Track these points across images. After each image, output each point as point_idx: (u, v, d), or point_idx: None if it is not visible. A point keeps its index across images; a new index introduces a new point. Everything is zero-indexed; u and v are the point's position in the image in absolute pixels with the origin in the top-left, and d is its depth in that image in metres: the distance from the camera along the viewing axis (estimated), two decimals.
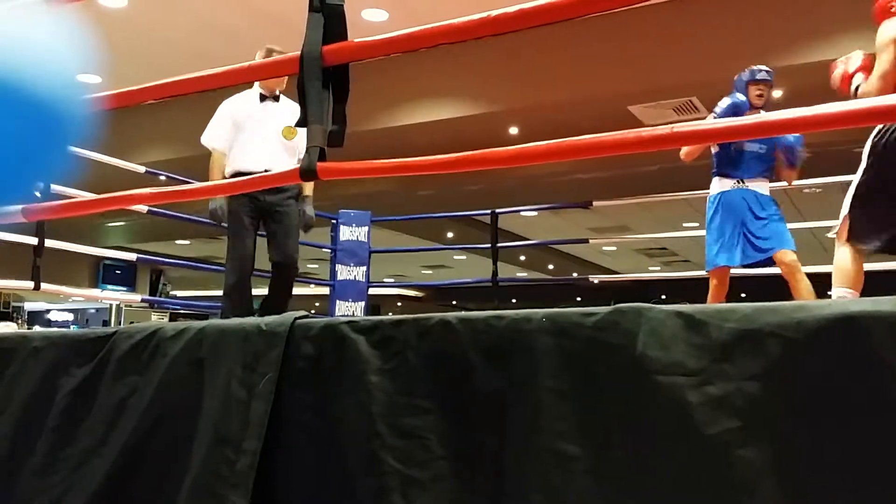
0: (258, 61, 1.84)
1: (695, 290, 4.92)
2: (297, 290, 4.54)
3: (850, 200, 3.03)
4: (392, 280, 17.90)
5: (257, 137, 4.12)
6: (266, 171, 3.83)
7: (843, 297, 2.94)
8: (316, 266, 15.41)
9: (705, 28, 6.09)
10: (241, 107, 4.18)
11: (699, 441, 1.01)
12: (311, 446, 1.31)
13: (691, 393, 1.02)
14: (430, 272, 18.64)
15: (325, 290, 6.98)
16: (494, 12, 1.55)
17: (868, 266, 3.41)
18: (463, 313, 1.24)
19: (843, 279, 3.09)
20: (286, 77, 4.01)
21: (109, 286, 13.05)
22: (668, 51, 6.27)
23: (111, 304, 9.43)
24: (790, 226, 5.25)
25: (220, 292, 4.26)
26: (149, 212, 5.33)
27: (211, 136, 4.20)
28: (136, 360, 1.55)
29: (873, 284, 3.28)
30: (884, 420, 0.92)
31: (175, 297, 16.23)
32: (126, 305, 9.91)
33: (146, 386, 1.50)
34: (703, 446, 1.00)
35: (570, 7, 1.49)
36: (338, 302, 6.47)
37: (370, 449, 1.21)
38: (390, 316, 1.29)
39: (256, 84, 4.18)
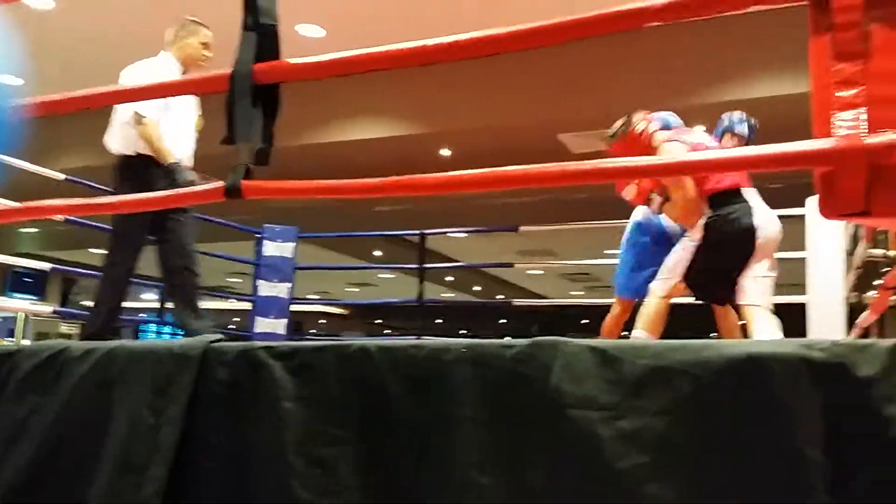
0: (189, 76, 1.80)
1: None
2: (216, 305, 4.40)
3: (681, 268, 3.38)
4: (316, 297, 17.69)
5: (182, 121, 3.69)
6: (179, 161, 3.54)
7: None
8: (239, 280, 15.11)
9: (632, 62, 6.28)
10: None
11: (610, 475, 1.02)
12: (222, 474, 1.27)
13: (603, 427, 1.04)
14: (355, 290, 18.51)
15: (247, 306, 6.85)
16: (430, 42, 1.56)
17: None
18: (383, 341, 1.23)
19: (648, 324, 3.42)
20: (210, 56, 3.70)
21: (17, 294, 12.47)
22: (597, 82, 6.44)
23: (19, 313, 9.00)
24: None
25: (133, 304, 4.05)
26: (66, 220, 5.14)
27: (147, 105, 3.48)
28: (40, 380, 1.48)
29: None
30: (779, 455, 0.96)
31: (87, 307, 15.63)
32: (34, 316, 9.48)
33: (48, 407, 1.44)
34: (613, 480, 1.02)
35: (503, 42, 1.51)
36: (258, 319, 6.34)
37: (281, 478, 1.19)
38: (309, 342, 1.28)
39: (172, 57, 3.69)
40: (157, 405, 1.32)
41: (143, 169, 3.52)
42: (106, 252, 3.73)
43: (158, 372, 1.34)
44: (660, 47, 6.06)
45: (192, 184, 3.41)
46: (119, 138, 3.63)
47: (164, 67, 3.61)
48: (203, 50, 3.72)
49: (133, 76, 3.60)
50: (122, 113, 3.59)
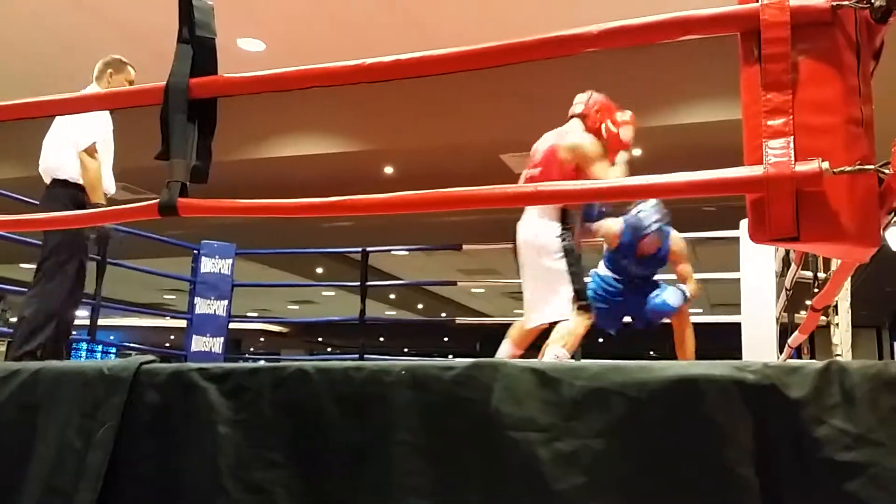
0: (118, 89, 1.76)
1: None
2: (151, 322, 4.30)
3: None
4: (256, 315, 17.41)
5: (111, 156, 3.81)
6: (105, 203, 3.57)
7: (560, 356, 3.38)
8: (173, 297, 14.76)
9: (573, 85, 6.39)
10: (107, 117, 3.73)
11: (548, 496, 1.03)
12: (152, 500, 1.23)
13: (541, 449, 1.04)
14: (296, 307, 18.28)
15: (182, 323, 6.69)
16: (369, 61, 1.55)
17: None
18: (321, 363, 1.21)
19: (568, 341, 3.46)
20: None
21: None
22: (538, 105, 6.52)
23: None
24: None
25: None
26: None
27: (95, 134, 3.59)
28: None
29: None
30: (712, 475, 0.97)
31: (14, 324, 15.05)
32: None
33: None
34: (551, 502, 1.02)
35: (444, 62, 1.52)
36: (194, 337, 6.20)
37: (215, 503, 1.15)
38: (245, 364, 1.25)
39: (100, 90, 3.61)
40: (86, 429, 1.27)
41: (65, 197, 3.56)
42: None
43: (87, 394, 1.29)
44: (601, 71, 6.18)
45: (107, 233, 3.76)
46: (66, 162, 3.65)
47: None
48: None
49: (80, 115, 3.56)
50: (68, 138, 3.61)
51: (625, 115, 3.98)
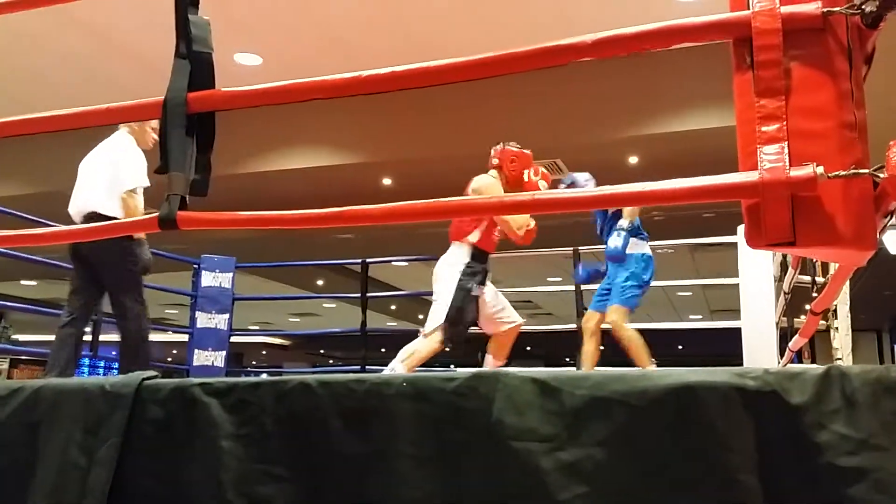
0: (121, 104, 1.77)
1: (557, 342, 5.10)
2: (152, 337, 4.32)
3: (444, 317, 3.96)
4: (257, 328, 17.38)
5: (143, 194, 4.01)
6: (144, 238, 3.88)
7: (395, 369, 3.84)
8: (175, 311, 14.75)
9: (569, 96, 6.42)
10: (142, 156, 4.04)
11: None
12: None
13: (544, 459, 1.04)
14: (297, 320, 18.26)
15: (184, 338, 6.69)
16: (365, 73, 1.56)
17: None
18: (323, 376, 1.22)
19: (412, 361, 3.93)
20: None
21: None
22: (535, 115, 6.56)
23: None
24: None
25: None
26: None
27: (141, 178, 3.87)
28: None
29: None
30: (715, 482, 0.97)
31: (17, 341, 15.04)
32: None
33: None
34: None
35: (440, 74, 1.53)
36: (196, 351, 6.20)
37: None
38: (247, 378, 1.25)
39: (129, 135, 3.99)
40: (88, 445, 1.27)
41: (123, 239, 3.75)
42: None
43: (89, 411, 1.29)
44: (597, 80, 6.21)
45: (150, 262, 3.93)
46: (107, 200, 3.83)
47: (132, 144, 3.95)
48: (154, 134, 3.99)
49: (120, 156, 3.90)
50: (110, 177, 3.82)
51: (542, 169, 4.50)
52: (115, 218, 3.71)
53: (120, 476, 1.25)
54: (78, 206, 3.95)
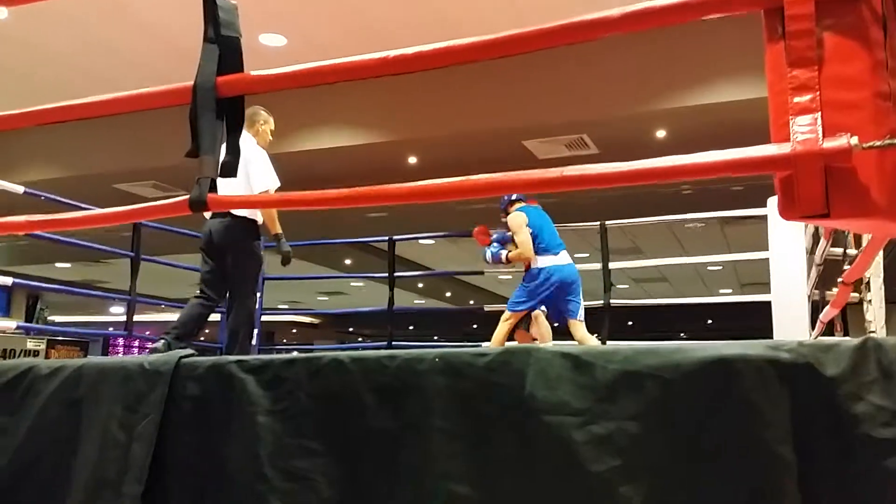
0: (152, 89, 1.79)
1: (586, 318, 5.10)
2: None
3: None
4: (287, 307, 17.54)
5: None
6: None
7: None
8: None
9: (596, 71, 6.35)
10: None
11: (584, 479, 1.04)
12: (196, 490, 1.26)
13: (576, 432, 1.05)
14: (326, 299, 18.40)
15: (216, 317, 6.78)
16: (392, 53, 1.56)
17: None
18: (356, 353, 1.23)
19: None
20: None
21: None
22: (561, 91, 6.50)
23: None
24: (673, 260, 5.46)
25: (101, 318, 4.09)
26: (27, 235, 5.04)
27: (274, 179, 4.07)
28: (7, 399, 1.45)
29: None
30: (750, 454, 0.98)
31: (54, 322, 15.35)
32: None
33: (17, 427, 1.41)
34: (587, 484, 1.03)
35: (466, 52, 1.53)
36: None
37: (256, 492, 1.18)
38: (281, 355, 1.27)
39: (251, 136, 4.24)
40: (129, 422, 1.31)
41: (254, 232, 4.06)
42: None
43: (129, 388, 1.33)
44: (622, 54, 6.13)
45: (289, 254, 4.31)
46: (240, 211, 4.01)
47: (254, 144, 4.19)
48: (271, 136, 4.48)
49: (250, 156, 4.04)
50: (248, 181, 3.95)
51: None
52: (251, 219, 3.99)
53: (160, 451, 1.28)
54: None
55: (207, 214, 4.06)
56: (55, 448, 1.39)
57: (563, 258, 4.92)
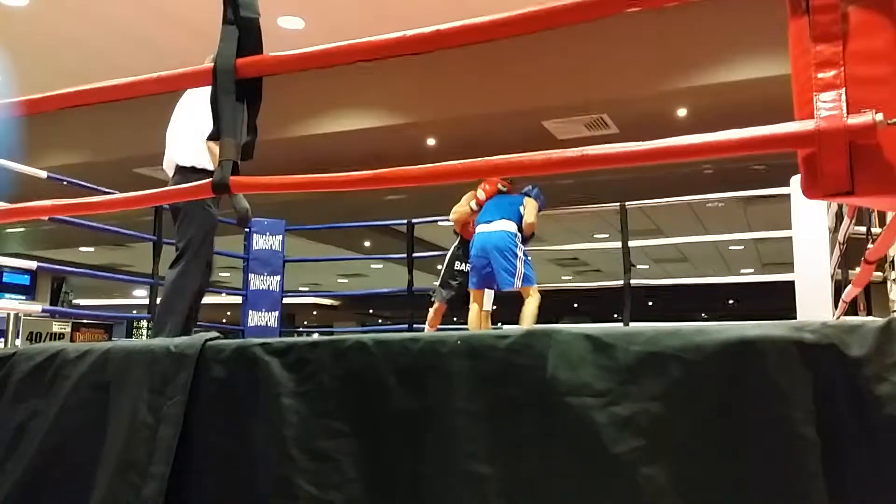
0: (172, 72, 1.79)
1: (605, 299, 5.08)
2: (208, 300, 4.40)
3: None
4: (307, 289, 17.65)
5: None
6: None
7: None
8: (227, 275, 15.06)
9: (615, 50, 6.29)
10: None
11: (606, 460, 1.04)
12: (223, 471, 1.28)
13: (599, 413, 1.05)
14: (346, 281, 18.48)
15: (238, 300, 6.84)
16: (409, 32, 1.56)
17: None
18: (379, 335, 1.24)
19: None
20: None
21: (7, 295, 12.41)
22: (581, 70, 6.44)
23: (9, 314, 8.95)
24: (694, 238, 5.40)
25: (125, 301, 4.10)
26: (50, 219, 5.10)
27: None
28: (37, 382, 1.48)
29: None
30: (774, 436, 0.97)
31: (78, 305, 15.55)
32: (26, 315, 9.43)
33: (47, 410, 1.44)
34: (610, 465, 1.04)
35: (483, 31, 1.52)
36: (250, 312, 6.34)
37: (283, 472, 1.20)
38: (305, 338, 1.28)
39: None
40: (155, 404, 1.33)
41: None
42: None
43: (155, 371, 1.35)
44: (642, 32, 6.06)
45: (246, 209, 3.81)
46: (191, 152, 3.86)
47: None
48: None
49: (205, 105, 3.81)
50: (193, 128, 3.80)
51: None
52: (203, 168, 3.80)
53: (187, 432, 1.30)
54: (169, 157, 4.01)
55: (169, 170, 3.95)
56: (84, 430, 1.41)
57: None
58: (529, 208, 5.05)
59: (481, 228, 5.04)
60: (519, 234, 4.96)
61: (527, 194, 5.17)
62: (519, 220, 5.03)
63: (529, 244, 5.34)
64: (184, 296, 3.83)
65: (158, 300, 3.99)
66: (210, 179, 1.68)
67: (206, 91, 4.13)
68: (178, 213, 3.92)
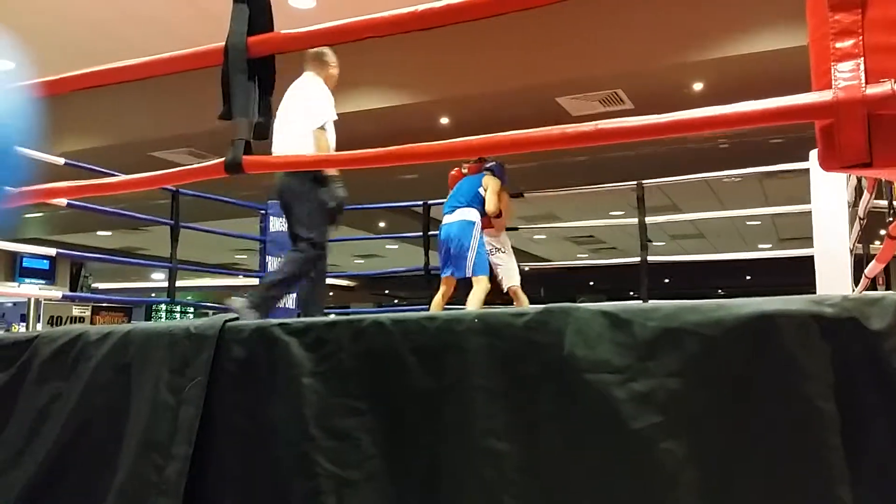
0: (183, 51, 1.79)
1: (621, 276, 5.07)
2: (225, 282, 4.43)
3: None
4: None
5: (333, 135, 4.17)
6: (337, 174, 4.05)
7: None
8: (244, 257, 15.14)
9: (630, 23, 6.21)
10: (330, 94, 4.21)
11: (625, 436, 1.04)
12: (243, 450, 1.30)
13: (617, 390, 1.05)
14: (361, 261, 18.54)
15: (255, 282, 6.88)
16: (421, 7, 1.55)
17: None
18: (395, 314, 1.25)
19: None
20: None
21: (27, 280, 12.56)
22: (595, 44, 6.38)
23: (30, 299, 9.07)
24: (710, 214, 5.35)
25: (144, 284, 4.15)
26: (68, 205, 5.14)
27: (327, 114, 4.01)
28: (60, 365, 1.50)
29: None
30: (793, 410, 0.97)
31: (97, 289, 15.71)
32: (46, 300, 9.55)
33: (70, 391, 1.46)
34: (628, 441, 1.04)
35: (496, 4, 1.51)
36: None
37: (303, 451, 1.21)
38: (322, 318, 1.29)
39: (318, 77, 4.19)
40: (177, 384, 1.34)
41: (316, 183, 3.84)
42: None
43: (176, 352, 1.36)
44: (657, 3, 5.99)
45: (343, 199, 3.96)
46: (295, 146, 3.88)
47: (321, 85, 4.14)
48: (336, 79, 4.38)
49: (311, 94, 4.06)
50: (297, 121, 3.91)
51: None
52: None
53: (207, 413, 1.32)
54: (277, 150, 4.03)
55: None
56: (106, 411, 1.43)
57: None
58: (491, 187, 5.10)
59: (444, 219, 5.21)
60: (476, 221, 5.06)
61: (490, 170, 5.21)
62: (480, 202, 5.10)
63: (542, 223, 5.38)
64: (294, 271, 3.97)
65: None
66: (221, 160, 1.68)
67: (311, 84, 4.13)
68: (287, 207, 4.00)
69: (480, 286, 4.99)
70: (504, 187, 5.23)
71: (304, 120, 3.91)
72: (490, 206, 5.06)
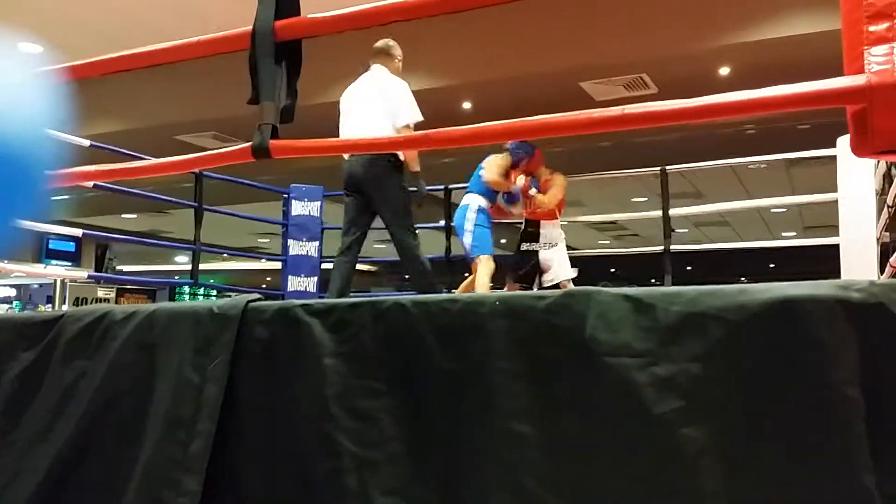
0: (211, 35, 1.79)
1: (643, 264, 5.04)
2: (247, 265, 4.47)
3: None
4: None
5: None
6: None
7: None
8: (267, 241, 15.24)
9: (655, 6, 6.14)
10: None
11: (646, 420, 1.04)
12: (266, 429, 1.31)
13: (638, 374, 1.05)
14: (383, 246, 18.56)
15: (277, 265, 6.93)
16: None
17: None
18: (417, 296, 1.25)
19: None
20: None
21: (54, 261, 12.73)
22: (620, 29, 6.31)
23: (56, 280, 9.20)
24: (735, 205, 5.30)
25: (168, 266, 4.20)
26: (94, 186, 5.20)
27: (416, 113, 4.05)
28: (85, 343, 1.52)
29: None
30: (818, 396, 0.96)
31: (122, 271, 15.90)
32: (72, 281, 9.68)
33: (95, 370, 1.48)
34: (649, 425, 1.04)
35: None
36: (290, 277, 6.42)
37: (325, 431, 1.22)
38: (344, 299, 1.30)
39: (388, 70, 4.26)
40: (200, 364, 1.35)
41: (397, 172, 3.94)
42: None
43: (199, 332, 1.37)
44: None
45: (424, 196, 4.16)
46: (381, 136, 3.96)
47: (397, 78, 4.23)
48: (400, 70, 4.42)
49: (395, 93, 4.10)
50: (384, 114, 3.95)
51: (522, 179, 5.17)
52: (396, 160, 3.92)
53: (231, 391, 1.33)
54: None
55: (345, 155, 4.03)
56: (131, 389, 1.45)
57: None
58: (487, 164, 5.07)
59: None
60: (470, 203, 5.06)
61: (507, 150, 5.15)
62: (479, 185, 5.11)
63: (566, 209, 5.38)
64: (419, 256, 4.10)
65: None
66: (248, 145, 1.69)
67: (391, 81, 4.22)
68: (371, 199, 4.04)
69: (484, 267, 4.98)
70: (521, 167, 5.14)
71: (386, 119, 3.91)
72: (488, 175, 5.02)
